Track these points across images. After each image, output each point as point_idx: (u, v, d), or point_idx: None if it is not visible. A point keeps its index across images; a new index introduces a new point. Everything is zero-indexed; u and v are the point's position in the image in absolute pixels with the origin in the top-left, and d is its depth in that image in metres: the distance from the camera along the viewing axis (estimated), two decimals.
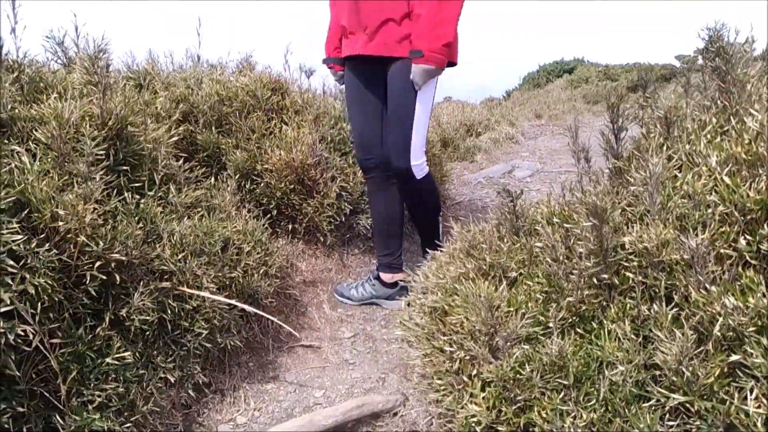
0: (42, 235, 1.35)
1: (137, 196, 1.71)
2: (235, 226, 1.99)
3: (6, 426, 1.13)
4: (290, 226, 2.58)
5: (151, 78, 2.64)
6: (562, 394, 1.26)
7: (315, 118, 2.77)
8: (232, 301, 1.71)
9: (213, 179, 2.26)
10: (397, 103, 2.10)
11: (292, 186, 2.51)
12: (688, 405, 1.08)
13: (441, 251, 1.81)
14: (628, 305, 1.28)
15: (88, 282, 1.38)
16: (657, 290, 1.23)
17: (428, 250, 1.78)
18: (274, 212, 2.53)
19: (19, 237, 1.23)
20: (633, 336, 1.23)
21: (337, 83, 2.48)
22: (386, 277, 2.40)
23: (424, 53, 1.95)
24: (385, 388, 1.89)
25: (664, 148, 1.32)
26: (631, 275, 1.29)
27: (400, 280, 2.39)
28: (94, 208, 1.45)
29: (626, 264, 1.30)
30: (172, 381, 1.56)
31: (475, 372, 1.43)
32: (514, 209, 1.72)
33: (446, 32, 1.95)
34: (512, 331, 1.36)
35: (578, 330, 1.36)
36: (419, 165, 2.16)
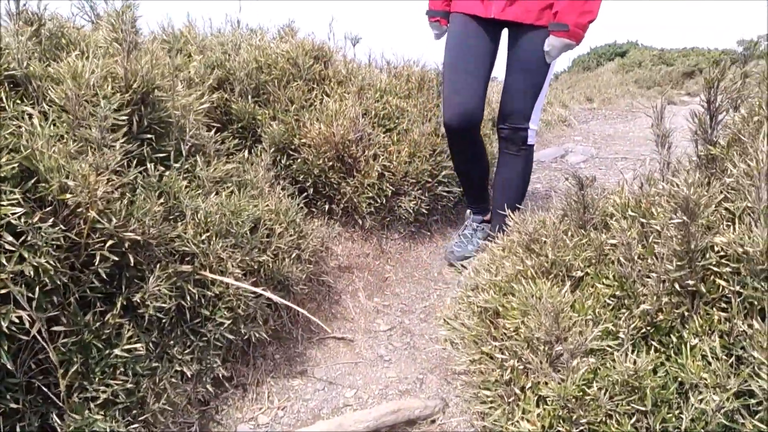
0: (49, 208, 1.20)
1: (161, 168, 1.56)
2: (267, 205, 1.82)
3: None
4: (327, 207, 2.40)
5: (186, 41, 2.47)
6: (634, 419, 1.07)
7: (359, 90, 2.56)
8: (258, 290, 1.55)
9: (246, 152, 2.09)
10: (531, 70, 2.09)
11: (330, 163, 2.32)
12: None
13: (495, 243, 1.60)
14: (717, 318, 1.08)
15: (98, 263, 1.23)
16: (756, 303, 1.02)
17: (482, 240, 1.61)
18: (311, 191, 2.36)
19: (20, 210, 1.08)
20: (723, 356, 1.03)
21: (436, 36, 2.34)
22: (487, 216, 2.58)
23: (569, 28, 1.92)
24: (422, 391, 1.70)
25: None
26: (723, 283, 1.08)
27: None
28: (109, 180, 1.29)
29: (717, 269, 1.08)
30: (189, 375, 1.41)
31: (529, 385, 1.25)
32: (584, 199, 1.50)
33: (593, 8, 1.93)
34: (580, 343, 1.16)
35: (652, 343, 1.16)
36: (533, 131, 2.20)
